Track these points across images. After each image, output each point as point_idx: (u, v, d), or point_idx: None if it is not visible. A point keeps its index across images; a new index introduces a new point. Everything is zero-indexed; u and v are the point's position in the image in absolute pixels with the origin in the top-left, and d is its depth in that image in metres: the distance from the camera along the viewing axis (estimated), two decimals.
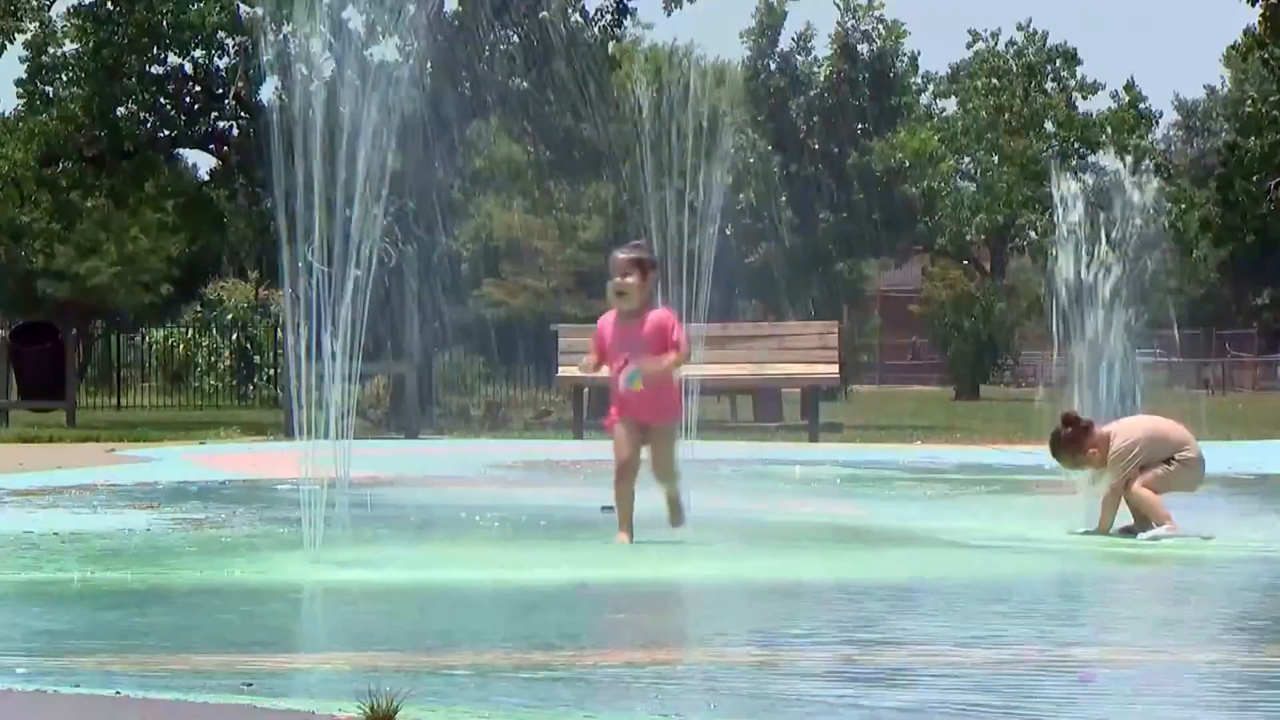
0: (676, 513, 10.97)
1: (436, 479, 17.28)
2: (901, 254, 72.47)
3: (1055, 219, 12.79)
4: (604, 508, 13.08)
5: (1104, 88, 76.55)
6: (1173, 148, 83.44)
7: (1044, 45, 74.72)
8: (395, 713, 5.34)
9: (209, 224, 45.36)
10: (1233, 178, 60.93)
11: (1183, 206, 67.02)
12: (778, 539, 11.52)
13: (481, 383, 42.91)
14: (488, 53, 34.60)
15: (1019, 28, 75.58)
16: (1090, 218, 12.28)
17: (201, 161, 53.61)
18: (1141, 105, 74.72)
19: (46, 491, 14.76)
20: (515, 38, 35.13)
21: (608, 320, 11.05)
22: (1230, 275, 72.25)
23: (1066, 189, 12.60)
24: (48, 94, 36.44)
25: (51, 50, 36.09)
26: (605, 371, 11.08)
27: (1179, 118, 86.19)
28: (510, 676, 6.49)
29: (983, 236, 75.09)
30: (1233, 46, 49.37)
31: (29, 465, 17.94)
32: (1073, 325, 12.34)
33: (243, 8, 34.60)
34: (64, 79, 36.14)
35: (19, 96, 36.99)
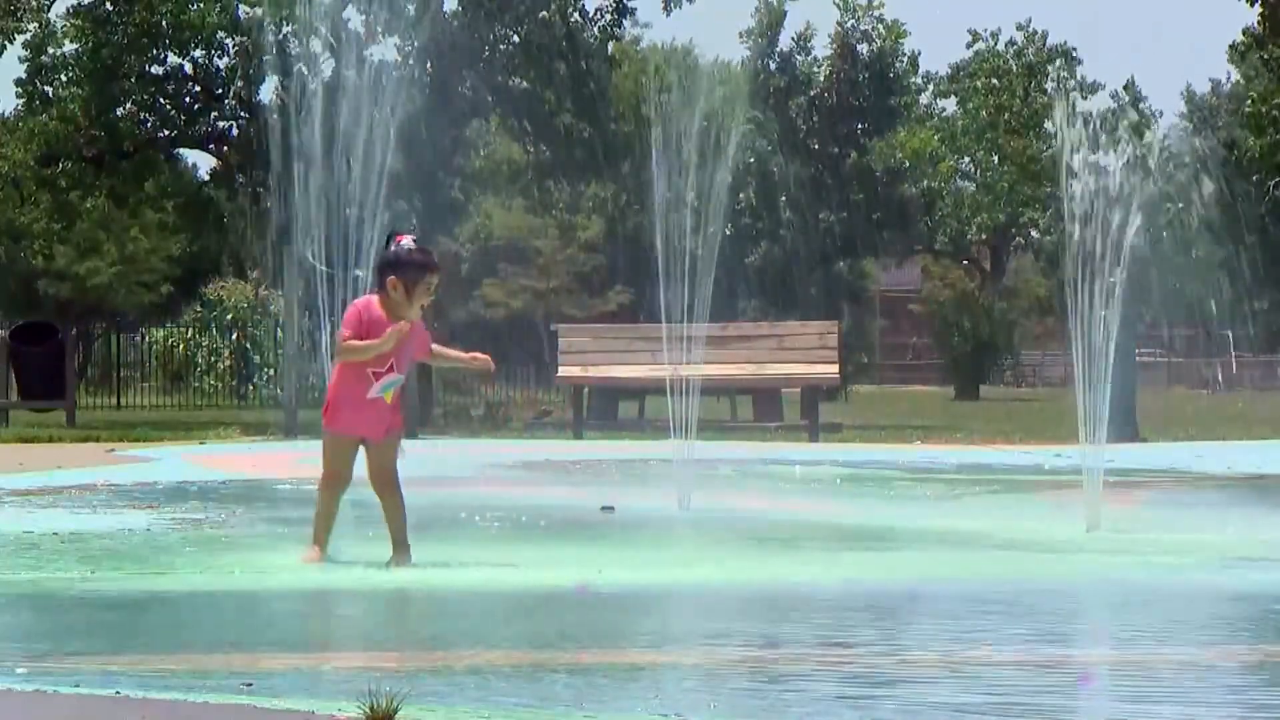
0: (402, 551, 9.69)
1: (436, 479, 17.27)
2: (901, 254, 72.49)
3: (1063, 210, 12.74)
4: (603, 508, 13.10)
5: (1104, 88, 76.56)
6: (1174, 147, 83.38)
7: (1044, 45, 74.71)
8: (395, 713, 5.34)
9: (209, 224, 45.38)
10: (1233, 177, 60.90)
11: (1181, 205, 67.00)
12: (778, 539, 11.52)
13: (481, 383, 42.90)
14: (488, 53, 34.60)
15: (1019, 28, 75.51)
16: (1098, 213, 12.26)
17: (201, 161, 53.69)
18: (1141, 105, 74.73)
19: (46, 491, 14.75)
20: (515, 38, 35.13)
21: (380, 314, 9.61)
22: (1230, 275, 72.25)
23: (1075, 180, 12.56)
24: (47, 94, 36.44)
25: (51, 50, 36.10)
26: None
27: (1185, 111, 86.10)
28: (510, 676, 6.49)
29: (983, 236, 75.12)
30: (1233, 46, 49.38)
31: (29, 465, 17.93)
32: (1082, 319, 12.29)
33: (242, 8, 34.63)
34: (64, 79, 36.14)
35: (19, 96, 37.00)
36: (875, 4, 63.08)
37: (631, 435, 24.39)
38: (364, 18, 36.12)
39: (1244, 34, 45.72)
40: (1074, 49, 75.00)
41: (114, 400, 42.33)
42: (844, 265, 62.90)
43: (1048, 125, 74.35)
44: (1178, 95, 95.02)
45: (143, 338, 52.07)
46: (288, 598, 8.86)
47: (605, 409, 27.23)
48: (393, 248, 9.77)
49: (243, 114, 36.15)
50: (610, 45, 36.70)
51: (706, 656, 7.06)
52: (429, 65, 33.97)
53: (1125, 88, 75.31)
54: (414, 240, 9.87)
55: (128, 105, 35.99)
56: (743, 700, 6.13)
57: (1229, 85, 79.80)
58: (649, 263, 14.46)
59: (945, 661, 6.95)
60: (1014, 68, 74.23)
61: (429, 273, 9.73)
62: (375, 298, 9.69)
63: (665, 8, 35.66)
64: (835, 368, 25.64)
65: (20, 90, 36.79)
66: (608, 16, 35.76)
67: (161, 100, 36.16)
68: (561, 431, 26.80)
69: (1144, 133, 72.01)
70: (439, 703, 5.69)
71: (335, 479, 9.81)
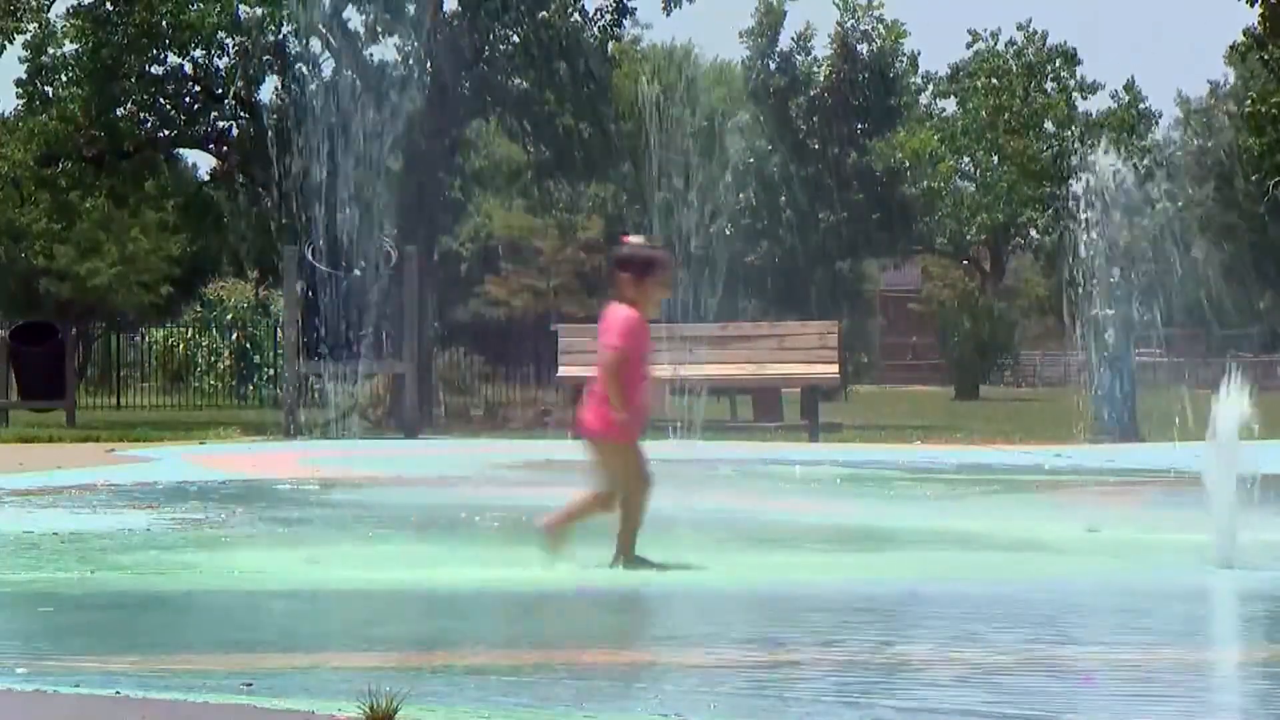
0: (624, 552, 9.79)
1: (436, 479, 17.28)
2: (901, 254, 72.50)
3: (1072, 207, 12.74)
4: None
5: (1104, 88, 76.62)
6: (1173, 146, 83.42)
7: (1044, 45, 74.73)
8: (395, 713, 5.34)
9: (209, 224, 45.41)
10: (1232, 177, 60.98)
11: (1180, 205, 67.01)
12: (777, 539, 11.52)
13: (481, 383, 42.91)
14: (488, 52, 34.60)
15: (1019, 28, 75.56)
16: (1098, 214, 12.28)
17: (201, 161, 53.69)
18: (1141, 105, 74.75)
19: (46, 491, 14.75)
20: (515, 38, 35.13)
21: (639, 320, 9.80)
22: (1230, 275, 72.27)
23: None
24: (47, 94, 36.45)
25: (51, 50, 36.10)
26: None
27: (1180, 114, 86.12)
28: (510, 676, 6.49)
29: (983, 236, 75.14)
30: (1233, 47, 49.38)
31: (29, 465, 17.93)
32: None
33: (242, 8, 34.64)
34: (64, 79, 36.15)
35: (19, 96, 37.01)
36: (875, 4, 63.08)
37: None
38: (364, 18, 36.15)
39: (1244, 34, 45.70)
40: (1074, 49, 75.05)
41: (114, 400, 42.35)
42: (844, 265, 62.89)
43: (1047, 125, 74.51)
44: (1177, 95, 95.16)
45: (143, 338, 52.09)
46: (288, 598, 8.85)
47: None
48: (622, 249, 10.06)
49: (243, 114, 36.14)
50: (610, 45, 36.69)
51: (706, 656, 7.06)
52: (429, 65, 33.97)
53: (1125, 88, 75.32)
54: (642, 238, 10.14)
55: (128, 105, 35.98)
56: (743, 700, 6.13)
57: (1226, 86, 79.81)
58: None
59: (945, 661, 6.95)
60: (1014, 68, 74.26)
61: (660, 267, 9.92)
62: (622, 305, 9.78)
63: (665, 8, 35.67)
64: (835, 368, 25.64)
65: (20, 90, 36.79)
66: (608, 16, 35.76)
67: (161, 100, 36.16)
68: (561, 431, 26.79)
69: (1143, 133, 71.79)
70: (439, 703, 5.69)
71: (647, 483, 9.78)
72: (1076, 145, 73.87)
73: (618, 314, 9.75)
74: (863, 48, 61.68)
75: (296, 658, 6.96)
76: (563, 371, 25.81)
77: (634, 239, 10.34)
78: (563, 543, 9.68)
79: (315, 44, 35.03)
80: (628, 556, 9.67)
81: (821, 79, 61.21)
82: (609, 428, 9.65)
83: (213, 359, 50.82)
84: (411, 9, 34.41)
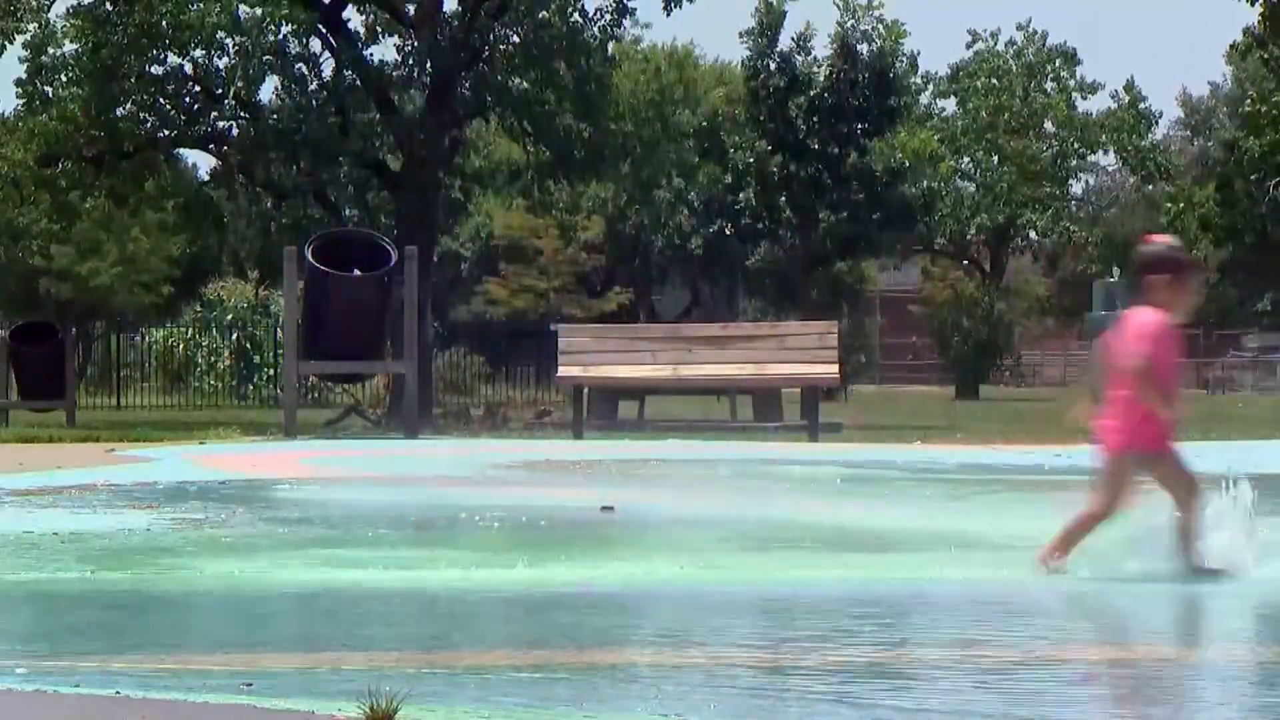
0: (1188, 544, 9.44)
1: (436, 479, 17.28)
2: (901, 254, 72.51)
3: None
4: (603, 508, 13.09)
5: (1104, 88, 76.63)
6: (1174, 146, 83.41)
7: (1044, 45, 74.74)
8: (395, 713, 5.34)
9: (209, 224, 45.39)
10: (1233, 177, 60.99)
11: (1181, 206, 67.01)
12: (778, 539, 11.52)
13: (481, 383, 42.94)
14: (488, 52, 34.58)
15: (1019, 28, 75.60)
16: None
17: (201, 161, 53.67)
18: (1141, 105, 74.76)
19: (46, 491, 14.76)
20: (515, 38, 35.11)
21: (1168, 325, 9.36)
22: (1231, 275, 72.31)
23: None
24: (47, 94, 36.41)
25: (51, 50, 36.07)
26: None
27: (1182, 115, 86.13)
28: (510, 676, 6.49)
29: (983, 236, 75.16)
30: (1233, 46, 49.40)
31: (29, 465, 17.94)
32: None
33: (242, 8, 34.61)
34: (64, 79, 36.11)
35: (19, 96, 36.97)
36: (875, 4, 63.00)
37: (631, 435, 24.40)
38: (364, 18, 36.13)
39: (1244, 34, 45.73)
40: (1074, 49, 75.08)
41: (114, 400, 42.34)
42: (844, 265, 62.86)
43: (1047, 125, 74.52)
44: (1181, 92, 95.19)
45: (143, 338, 52.08)
46: (288, 598, 8.85)
47: (605, 409, 27.22)
48: (1155, 249, 9.61)
49: (243, 114, 36.12)
50: (610, 45, 36.66)
51: (706, 656, 7.06)
52: (429, 65, 33.95)
53: (1125, 88, 75.34)
54: (1169, 238, 9.90)
55: (128, 105, 35.93)
56: (743, 700, 6.13)
57: (1226, 87, 79.80)
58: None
59: (945, 661, 6.95)
60: (1014, 68, 74.30)
61: (1195, 269, 9.66)
62: (1149, 309, 9.33)
63: (665, 8, 35.65)
64: (835, 368, 25.63)
65: (20, 90, 36.75)
66: (608, 16, 35.74)
67: (161, 100, 36.11)
68: (561, 431, 26.80)
69: (1143, 133, 71.72)
70: (439, 703, 5.69)
71: (1195, 486, 9.50)
72: (1076, 145, 74.04)
73: (1145, 318, 9.29)
74: (863, 48, 61.55)
75: (296, 658, 6.96)
76: (562, 371, 25.80)
77: (1160, 238, 9.86)
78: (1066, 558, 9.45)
79: (315, 44, 35.01)
80: (1192, 553, 9.32)
81: (821, 79, 61.11)
82: (1134, 438, 9.39)
83: (213, 359, 50.81)
84: (412, 9, 34.38)
